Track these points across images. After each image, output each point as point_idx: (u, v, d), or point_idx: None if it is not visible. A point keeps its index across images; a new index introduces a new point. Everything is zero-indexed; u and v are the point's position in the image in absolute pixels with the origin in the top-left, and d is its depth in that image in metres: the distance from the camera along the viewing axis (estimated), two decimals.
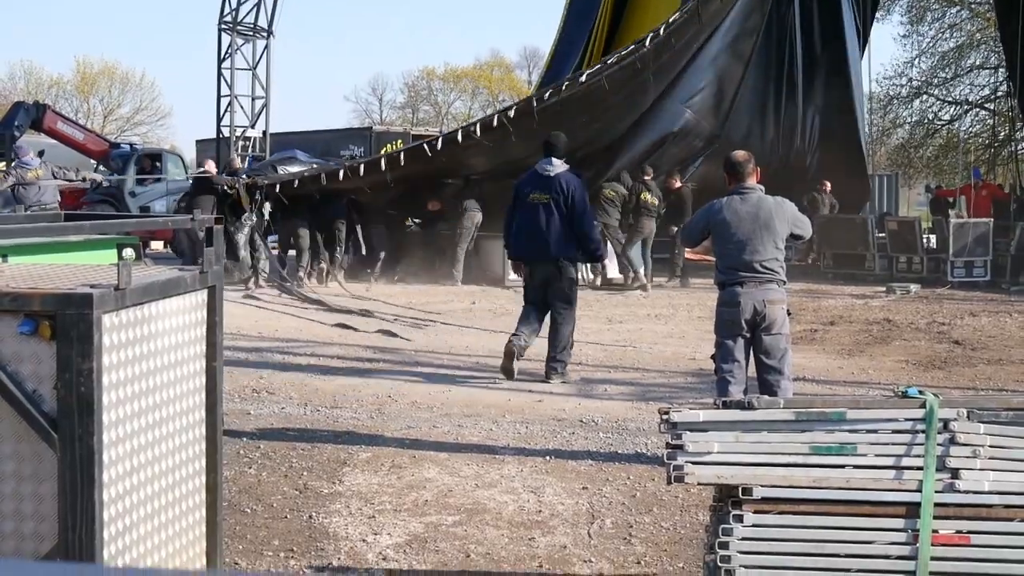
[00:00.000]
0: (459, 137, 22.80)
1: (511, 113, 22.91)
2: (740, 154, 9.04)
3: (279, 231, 22.63)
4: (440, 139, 23.34)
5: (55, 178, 20.49)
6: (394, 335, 15.16)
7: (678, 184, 22.96)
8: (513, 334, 12.11)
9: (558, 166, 12.19)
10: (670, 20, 23.59)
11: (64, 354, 3.93)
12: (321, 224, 22.37)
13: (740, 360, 8.65)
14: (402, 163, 22.49)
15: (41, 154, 22.43)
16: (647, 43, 23.20)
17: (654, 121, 24.79)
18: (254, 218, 21.27)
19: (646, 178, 22.50)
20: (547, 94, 23.03)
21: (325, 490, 7.78)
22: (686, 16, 23.74)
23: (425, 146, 22.78)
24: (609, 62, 23.43)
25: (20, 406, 3.95)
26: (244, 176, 22.37)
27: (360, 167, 23.02)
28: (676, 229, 21.70)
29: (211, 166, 22.49)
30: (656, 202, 22.35)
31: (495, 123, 22.75)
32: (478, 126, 23.09)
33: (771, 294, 8.57)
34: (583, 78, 23.15)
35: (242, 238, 21.07)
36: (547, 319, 12.27)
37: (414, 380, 11.95)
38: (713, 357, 8.96)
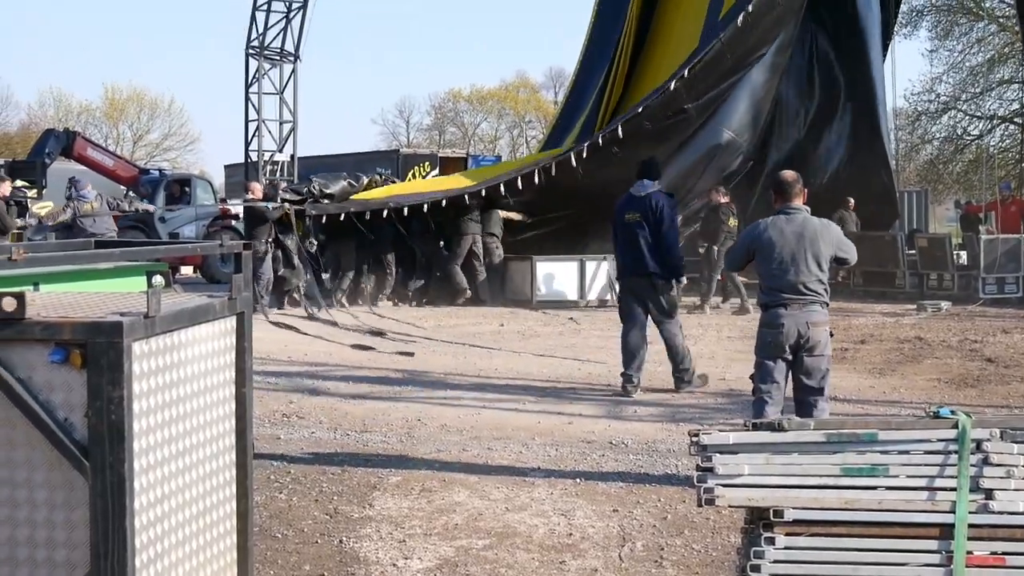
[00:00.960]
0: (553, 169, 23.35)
1: (583, 153, 23.37)
2: (788, 174, 9.06)
3: (327, 251, 22.74)
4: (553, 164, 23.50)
5: (111, 209, 21.64)
6: (411, 355, 15.22)
7: (724, 199, 22.41)
8: (623, 374, 12.72)
9: (650, 186, 12.87)
10: (701, 56, 23.89)
11: (95, 382, 3.93)
12: (371, 246, 22.56)
13: (779, 381, 8.69)
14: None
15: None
16: (680, 80, 23.58)
17: (694, 143, 24.87)
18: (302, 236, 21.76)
19: (724, 200, 22.18)
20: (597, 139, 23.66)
21: (355, 514, 7.78)
22: (714, 53, 24.01)
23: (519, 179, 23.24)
24: (648, 104, 23.71)
25: (52, 435, 3.96)
26: (289, 193, 22.60)
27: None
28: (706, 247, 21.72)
29: (256, 189, 22.63)
30: (736, 224, 22.03)
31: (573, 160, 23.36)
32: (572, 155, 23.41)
33: (814, 316, 8.58)
34: (621, 122, 23.54)
35: (293, 244, 21.56)
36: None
37: (443, 403, 11.95)
38: (752, 377, 8.97)
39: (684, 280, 13.84)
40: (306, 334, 17.69)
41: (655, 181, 13.06)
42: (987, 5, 51.50)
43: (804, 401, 8.69)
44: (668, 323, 12.84)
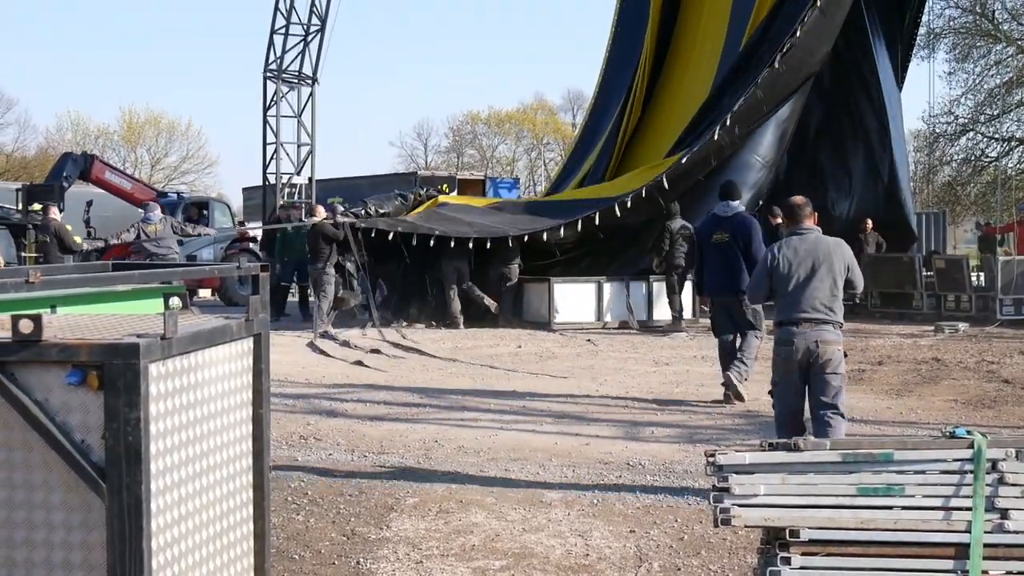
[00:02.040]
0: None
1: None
2: (798, 198, 9.44)
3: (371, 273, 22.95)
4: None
5: (174, 232, 22.33)
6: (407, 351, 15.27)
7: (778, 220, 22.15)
8: (725, 372, 13.27)
9: (735, 208, 13.57)
10: (736, 109, 24.30)
11: (111, 404, 3.96)
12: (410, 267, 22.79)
13: (795, 398, 8.98)
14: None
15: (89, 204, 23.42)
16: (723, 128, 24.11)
17: (728, 168, 25.01)
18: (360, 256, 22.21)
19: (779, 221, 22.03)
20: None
21: (373, 536, 7.79)
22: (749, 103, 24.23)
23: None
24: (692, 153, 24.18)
25: (69, 456, 3.98)
26: (348, 216, 22.99)
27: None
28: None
29: (321, 211, 22.95)
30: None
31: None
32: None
33: (825, 335, 8.82)
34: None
35: (353, 265, 22.17)
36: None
37: (460, 424, 11.97)
38: (771, 394, 9.38)
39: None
40: (333, 357, 17.74)
41: (738, 202, 13.78)
42: (1005, 28, 51.45)
43: (821, 418, 8.87)
44: (753, 331, 13.44)
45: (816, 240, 9.06)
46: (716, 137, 24.03)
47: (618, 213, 23.19)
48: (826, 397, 8.87)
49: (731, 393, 13.15)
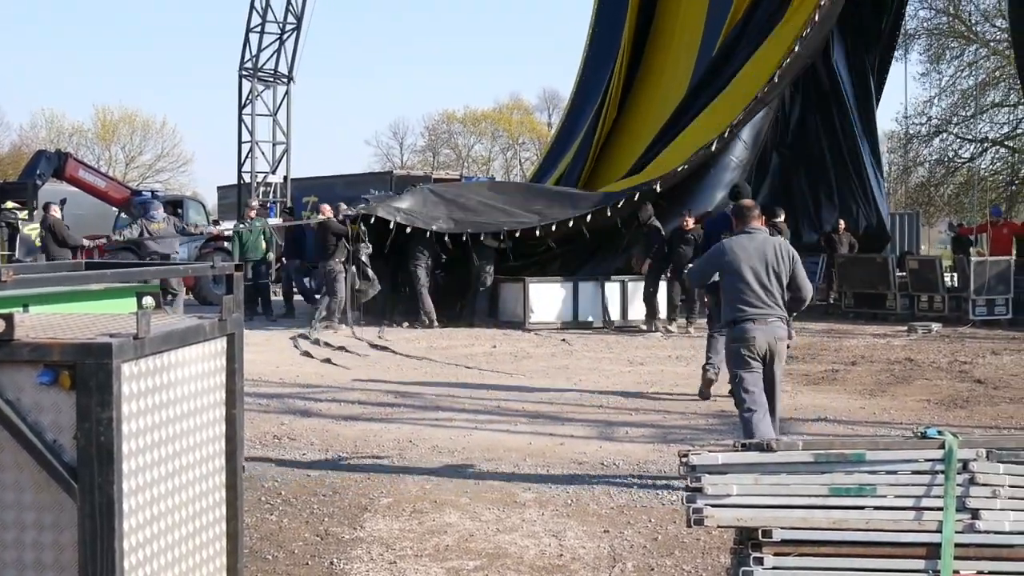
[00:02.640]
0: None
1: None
2: (747, 201, 10.16)
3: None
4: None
5: (177, 231, 22.42)
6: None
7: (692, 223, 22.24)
8: (707, 363, 13.55)
9: None
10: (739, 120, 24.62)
11: (84, 404, 3.95)
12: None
13: (759, 389, 9.19)
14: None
15: (63, 201, 23.31)
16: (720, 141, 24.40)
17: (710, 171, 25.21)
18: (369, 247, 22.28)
19: (690, 225, 22.03)
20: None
21: (346, 536, 7.78)
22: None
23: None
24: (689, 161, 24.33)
25: (40, 456, 3.97)
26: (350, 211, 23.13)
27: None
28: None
29: (327, 210, 22.96)
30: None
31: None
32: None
33: (780, 331, 9.29)
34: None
35: (365, 256, 22.15)
36: None
37: (435, 424, 11.96)
38: (731, 392, 9.67)
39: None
40: (314, 357, 17.72)
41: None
42: (978, 29, 51.69)
43: (771, 381, 9.33)
44: None
45: (764, 240, 9.45)
46: (715, 148, 24.24)
47: (608, 213, 23.20)
48: (776, 391, 9.36)
49: (703, 391, 13.55)
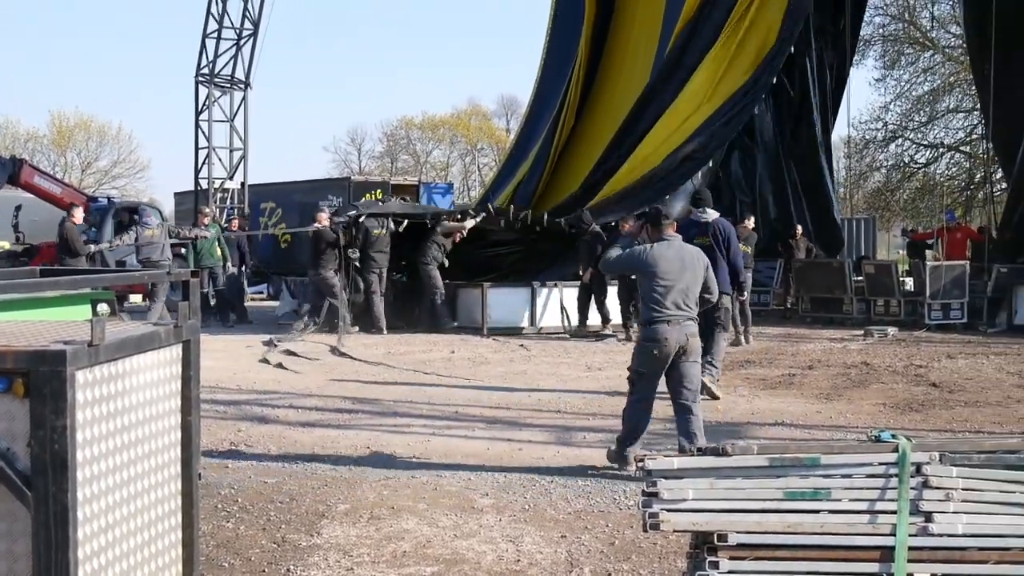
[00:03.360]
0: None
1: None
2: (662, 208, 10.95)
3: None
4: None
5: (170, 236, 22.75)
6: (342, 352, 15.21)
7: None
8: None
9: (712, 213, 14.53)
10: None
11: (37, 412, 3.93)
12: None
13: (654, 387, 9.99)
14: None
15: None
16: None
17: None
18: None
19: (748, 225, 21.92)
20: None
21: (303, 543, 7.76)
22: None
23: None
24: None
25: None
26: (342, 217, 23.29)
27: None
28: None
29: (323, 218, 23.05)
30: (750, 251, 21.95)
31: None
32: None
33: (692, 328, 9.90)
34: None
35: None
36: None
37: (393, 431, 11.94)
38: (630, 379, 10.12)
39: (747, 294, 15.57)
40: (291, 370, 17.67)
41: (712, 208, 14.74)
42: (933, 35, 52.10)
43: (684, 404, 9.93)
44: (721, 332, 14.48)
45: (680, 247, 10.13)
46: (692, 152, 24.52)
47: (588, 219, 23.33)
48: (691, 384, 9.94)
49: (706, 393, 13.44)
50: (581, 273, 22.71)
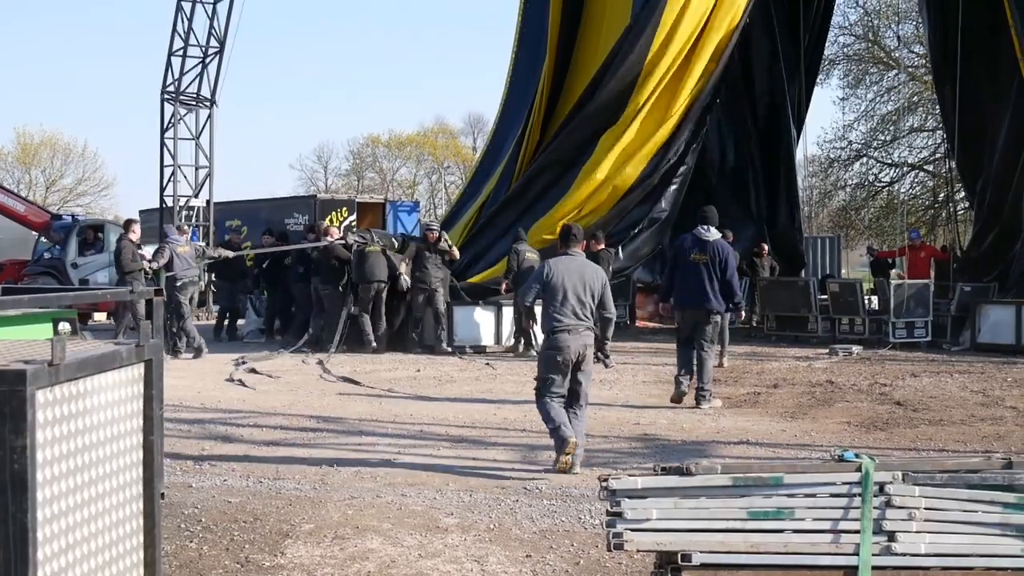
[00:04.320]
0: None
1: None
2: (574, 226, 11.60)
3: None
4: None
5: (197, 255, 22.65)
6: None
7: (601, 245, 22.22)
8: (679, 375, 15.06)
9: (714, 233, 15.09)
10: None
11: None
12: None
13: (562, 391, 10.70)
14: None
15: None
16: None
17: None
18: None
19: (601, 247, 21.98)
20: None
21: (267, 563, 7.72)
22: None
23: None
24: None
25: None
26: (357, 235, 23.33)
27: None
28: None
29: (334, 232, 23.15)
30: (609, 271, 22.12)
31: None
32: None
33: (589, 339, 10.80)
34: None
35: None
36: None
37: (357, 449, 11.91)
38: (536, 389, 10.85)
39: (743, 314, 16.19)
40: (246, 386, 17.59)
41: (716, 228, 15.25)
42: (897, 55, 52.46)
43: (577, 392, 10.81)
44: (709, 349, 15.07)
45: (582, 263, 11.04)
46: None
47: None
48: (585, 383, 10.84)
49: (675, 398, 14.88)
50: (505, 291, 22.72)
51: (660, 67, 25.24)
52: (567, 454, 10.45)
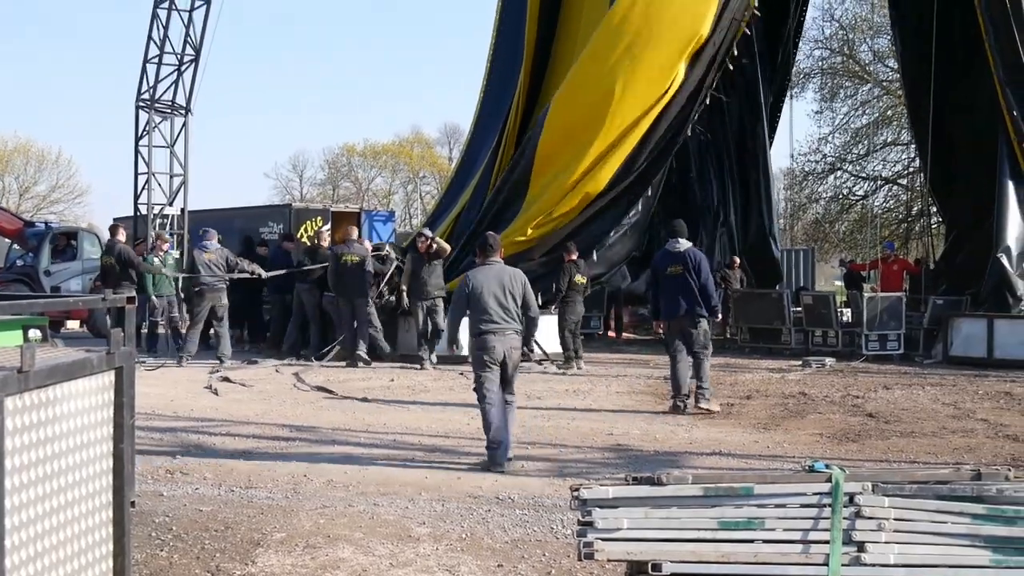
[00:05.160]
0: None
1: None
2: (491, 236, 12.48)
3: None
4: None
5: (228, 267, 22.17)
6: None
7: (573, 256, 22.04)
8: (676, 398, 15.65)
9: (684, 244, 15.83)
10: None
11: None
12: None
13: (496, 388, 11.56)
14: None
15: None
16: None
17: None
18: None
19: (573, 257, 22.08)
20: None
21: (238, 572, 7.69)
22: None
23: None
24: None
25: None
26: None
27: None
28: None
29: (368, 245, 23.25)
30: (584, 281, 22.18)
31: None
32: None
33: (515, 341, 11.69)
34: None
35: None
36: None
37: (330, 459, 11.88)
38: (475, 389, 11.72)
39: (719, 316, 16.62)
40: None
41: (686, 239, 15.95)
42: (871, 69, 52.69)
43: (507, 380, 11.71)
44: (704, 352, 15.71)
45: (500, 269, 11.88)
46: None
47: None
48: (512, 385, 11.80)
49: (707, 410, 15.43)
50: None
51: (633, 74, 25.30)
52: (498, 467, 11.35)
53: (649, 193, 26.61)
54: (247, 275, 22.68)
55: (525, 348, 12.86)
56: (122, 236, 22.58)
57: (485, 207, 26.24)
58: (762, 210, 32.22)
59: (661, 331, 17.47)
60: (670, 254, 15.84)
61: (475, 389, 11.75)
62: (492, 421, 11.45)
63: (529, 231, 24.30)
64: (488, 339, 11.49)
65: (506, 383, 11.70)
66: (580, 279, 21.79)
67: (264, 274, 23.03)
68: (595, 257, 25.63)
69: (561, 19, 28.18)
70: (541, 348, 21.02)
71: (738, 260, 28.68)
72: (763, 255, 31.49)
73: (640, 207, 26.46)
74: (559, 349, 21.93)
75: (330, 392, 17.39)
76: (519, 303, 11.66)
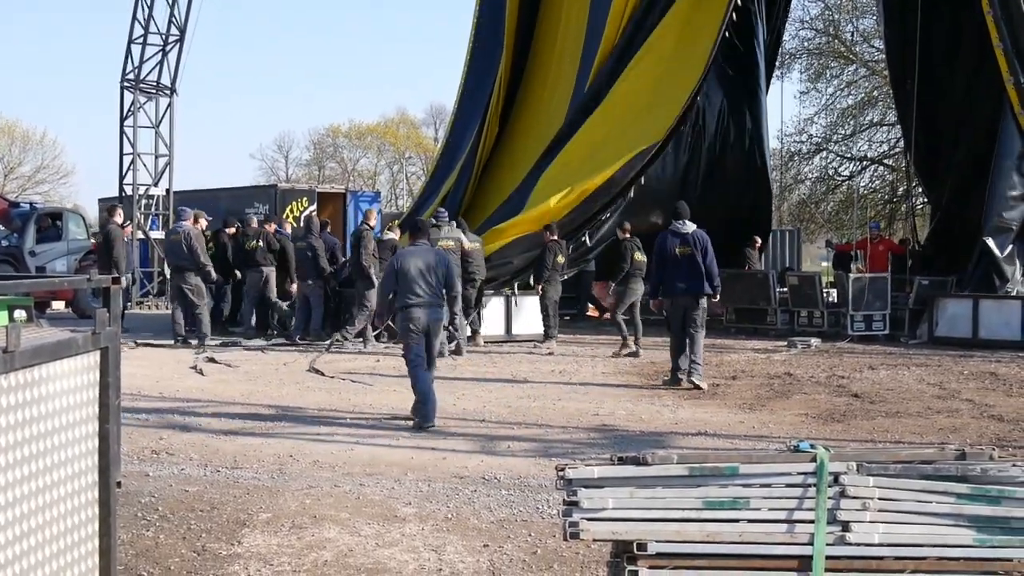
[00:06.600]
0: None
1: None
2: (420, 220, 14.38)
3: None
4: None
5: (186, 247, 21.68)
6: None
7: (627, 234, 21.81)
8: (673, 369, 16.48)
9: (690, 225, 16.37)
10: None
11: None
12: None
13: (423, 354, 12.85)
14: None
15: None
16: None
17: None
18: None
19: (555, 238, 22.02)
20: None
21: (223, 552, 7.70)
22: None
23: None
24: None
25: None
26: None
27: None
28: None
29: (397, 230, 22.94)
30: (564, 261, 22.19)
31: None
32: None
33: (438, 313, 13.01)
34: None
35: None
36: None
37: (316, 439, 11.89)
38: (404, 355, 13.09)
39: (718, 296, 17.10)
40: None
41: (690, 221, 16.40)
42: (857, 49, 52.68)
43: (430, 350, 12.98)
44: (700, 330, 16.36)
45: (426, 250, 13.13)
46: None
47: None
48: (434, 360, 13.12)
49: (696, 385, 15.91)
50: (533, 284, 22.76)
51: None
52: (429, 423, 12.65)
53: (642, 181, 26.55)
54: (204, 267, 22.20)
55: (446, 324, 14.84)
56: (119, 217, 22.26)
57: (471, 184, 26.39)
58: (761, 191, 32.39)
59: (654, 309, 17.80)
60: (677, 234, 16.34)
61: (403, 355, 13.11)
62: (420, 378, 12.76)
63: (554, 201, 24.34)
64: (413, 311, 12.73)
65: (430, 358, 12.96)
66: (560, 259, 21.84)
67: (215, 275, 22.52)
68: (588, 240, 25.66)
69: None
70: (458, 339, 20.42)
71: (759, 240, 28.90)
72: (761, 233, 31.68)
73: (635, 189, 26.39)
74: (538, 330, 22.02)
75: (315, 373, 17.38)
76: (442, 280, 12.90)
